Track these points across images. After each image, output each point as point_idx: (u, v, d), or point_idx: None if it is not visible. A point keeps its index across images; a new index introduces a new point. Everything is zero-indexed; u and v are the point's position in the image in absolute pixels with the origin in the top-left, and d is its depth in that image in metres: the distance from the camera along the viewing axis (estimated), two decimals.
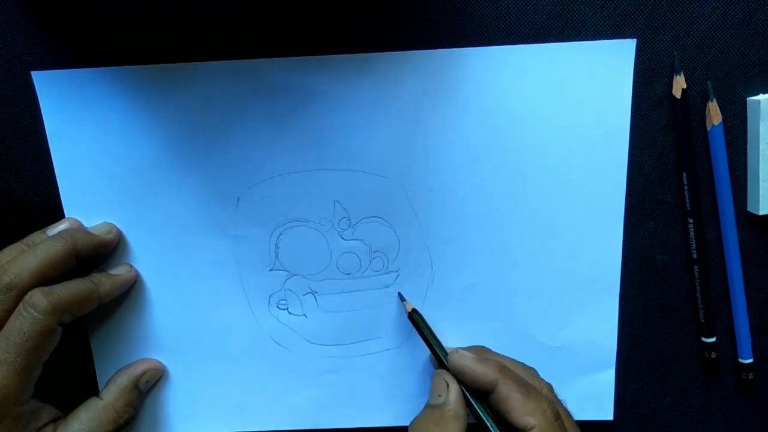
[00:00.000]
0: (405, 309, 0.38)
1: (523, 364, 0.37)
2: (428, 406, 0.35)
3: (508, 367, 0.35)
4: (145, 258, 0.38)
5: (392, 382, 0.40)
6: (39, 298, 0.33)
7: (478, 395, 0.34)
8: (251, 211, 0.38)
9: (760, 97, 0.36)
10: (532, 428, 0.32)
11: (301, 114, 0.36)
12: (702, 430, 0.42)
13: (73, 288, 0.34)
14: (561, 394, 0.39)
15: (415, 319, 0.37)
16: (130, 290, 0.38)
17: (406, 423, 0.40)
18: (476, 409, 0.34)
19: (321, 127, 0.37)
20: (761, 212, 0.37)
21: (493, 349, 0.38)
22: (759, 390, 0.41)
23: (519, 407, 0.32)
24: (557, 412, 0.33)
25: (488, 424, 0.33)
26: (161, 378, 0.40)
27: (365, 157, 0.37)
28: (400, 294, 0.38)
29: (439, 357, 0.36)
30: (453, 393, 0.34)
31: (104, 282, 0.36)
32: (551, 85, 0.36)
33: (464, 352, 0.35)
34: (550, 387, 0.36)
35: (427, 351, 0.37)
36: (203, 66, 0.36)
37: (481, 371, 0.34)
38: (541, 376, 0.37)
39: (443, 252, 0.38)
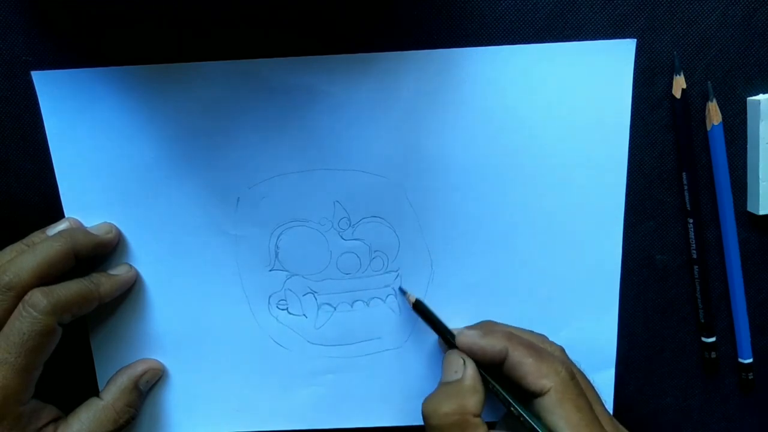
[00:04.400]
0: (408, 301, 0.38)
1: (531, 331, 0.37)
2: (443, 384, 0.34)
3: (516, 335, 0.35)
4: (145, 258, 0.38)
5: (392, 382, 0.40)
6: (39, 298, 0.33)
7: (493, 370, 0.34)
8: (251, 211, 0.38)
9: (760, 97, 0.36)
10: (548, 390, 0.31)
11: (302, 114, 0.36)
12: (702, 430, 0.42)
13: (72, 288, 0.34)
14: None
15: (421, 308, 0.37)
16: (130, 290, 0.38)
17: (406, 423, 0.40)
18: (493, 386, 0.34)
19: (321, 127, 0.37)
20: (761, 212, 0.37)
21: None
22: (759, 390, 0.41)
23: (533, 371, 0.32)
24: (572, 371, 0.33)
25: (506, 397, 0.33)
26: (161, 378, 0.40)
27: (365, 157, 0.37)
28: (401, 288, 0.38)
29: (448, 340, 0.36)
30: (470, 368, 0.34)
31: (104, 282, 0.36)
32: (551, 85, 0.36)
33: (469, 330, 0.35)
34: (562, 349, 0.36)
35: (427, 351, 0.38)
36: (203, 66, 0.36)
37: (488, 344, 0.34)
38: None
39: (443, 252, 0.38)
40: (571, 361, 0.35)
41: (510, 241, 0.38)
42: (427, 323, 0.37)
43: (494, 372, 0.34)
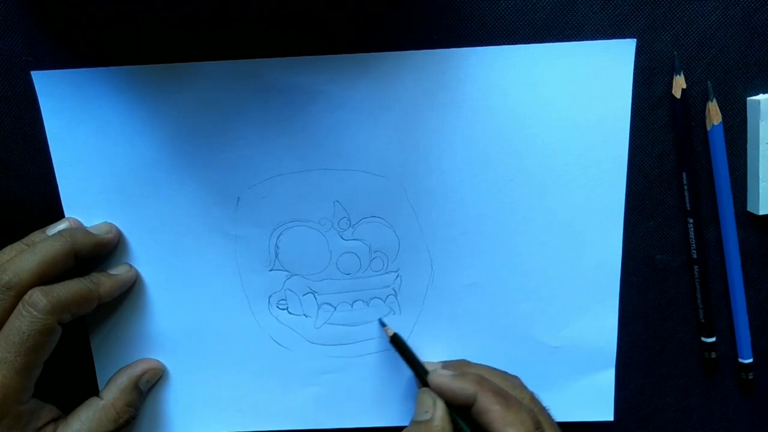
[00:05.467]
0: (386, 334, 0.38)
1: (505, 373, 0.37)
2: (414, 423, 0.35)
3: (487, 379, 0.35)
4: (145, 258, 0.38)
5: (392, 382, 0.40)
6: (38, 297, 0.33)
7: (462, 411, 0.34)
8: (251, 211, 0.38)
9: (760, 97, 0.36)
10: None
11: (301, 114, 0.36)
12: (702, 430, 0.42)
13: (72, 287, 0.34)
14: (561, 394, 0.39)
15: (398, 343, 0.38)
16: (130, 290, 0.38)
17: (405, 423, 0.40)
18: (462, 428, 0.34)
19: (321, 127, 0.37)
20: (761, 212, 0.37)
21: (492, 349, 0.38)
22: (759, 390, 0.41)
23: (498, 419, 0.32)
24: (537, 421, 0.33)
25: None
26: (161, 378, 0.40)
27: (365, 157, 0.37)
28: (380, 320, 0.39)
29: (421, 377, 0.37)
30: (439, 410, 0.35)
31: (104, 282, 0.36)
32: (551, 85, 0.36)
33: (443, 370, 0.36)
34: (532, 396, 0.36)
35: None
36: (203, 66, 0.36)
37: (458, 387, 0.34)
38: (541, 376, 0.37)
39: (443, 252, 0.38)
40: (543, 409, 0.35)
41: (510, 240, 0.38)
42: (402, 358, 0.38)
43: (466, 413, 0.34)
